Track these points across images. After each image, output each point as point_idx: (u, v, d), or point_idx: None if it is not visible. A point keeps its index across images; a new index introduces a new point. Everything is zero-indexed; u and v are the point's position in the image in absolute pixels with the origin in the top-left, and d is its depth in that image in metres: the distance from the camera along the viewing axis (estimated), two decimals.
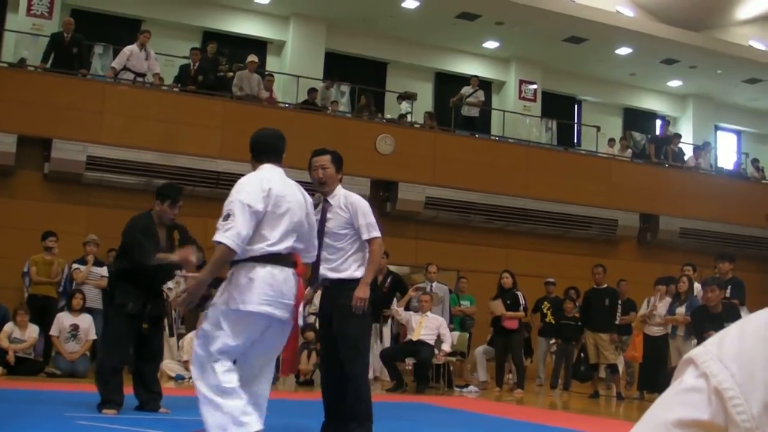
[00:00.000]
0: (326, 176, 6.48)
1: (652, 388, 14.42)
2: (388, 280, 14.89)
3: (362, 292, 6.30)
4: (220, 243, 5.04)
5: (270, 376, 5.50)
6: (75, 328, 12.57)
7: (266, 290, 5.07)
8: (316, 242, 5.51)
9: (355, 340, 6.49)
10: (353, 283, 6.39)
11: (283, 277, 5.14)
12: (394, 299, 14.66)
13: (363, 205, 6.53)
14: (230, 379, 5.04)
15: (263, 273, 5.11)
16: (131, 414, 7.66)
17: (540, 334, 16.41)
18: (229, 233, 5.01)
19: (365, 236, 6.41)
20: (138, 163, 15.38)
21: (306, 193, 5.55)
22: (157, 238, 7.76)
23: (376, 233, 6.46)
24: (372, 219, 6.51)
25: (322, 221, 6.45)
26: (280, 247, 5.16)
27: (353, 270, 6.40)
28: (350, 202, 6.47)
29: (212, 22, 21.58)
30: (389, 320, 14.93)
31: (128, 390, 7.97)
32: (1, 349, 12.07)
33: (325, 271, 6.48)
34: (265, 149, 5.59)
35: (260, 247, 5.13)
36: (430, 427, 8.88)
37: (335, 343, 6.44)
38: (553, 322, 15.89)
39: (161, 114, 16.19)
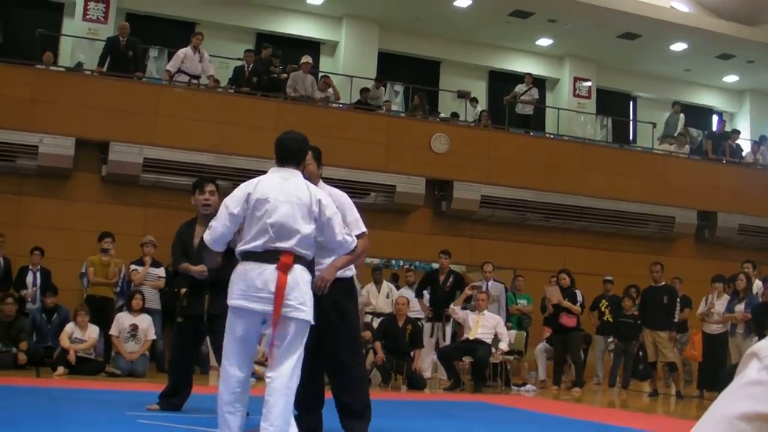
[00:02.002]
0: (309, 173, 6.32)
1: (711, 386, 14.27)
2: (450, 278, 14.86)
3: (328, 273, 6.05)
4: None
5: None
6: (134, 328, 12.69)
7: (240, 285, 5.36)
8: (340, 238, 5.49)
9: (357, 337, 6.72)
10: (345, 281, 6.43)
11: (258, 272, 5.31)
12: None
13: (349, 201, 6.56)
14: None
15: (239, 270, 5.43)
16: (193, 413, 7.72)
17: (598, 332, 16.31)
18: (207, 231, 5.66)
19: (356, 232, 6.31)
20: (194, 164, 15.47)
21: (315, 194, 5.55)
22: (191, 242, 7.97)
23: (364, 228, 6.53)
24: (358, 214, 6.56)
25: None
26: (254, 245, 5.38)
27: (345, 269, 6.39)
28: (336, 199, 6.31)
29: (265, 23, 21.70)
30: (451, 319, 14.91)
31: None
32: (62, 349, 12.21)
33: (318, 271, 6.33)
34: (280, 152, 5.74)
35: (241, 247, 5.46)
36: (488, 426, 8.85)
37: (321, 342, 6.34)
38: (611, 320, 15.78)
39: (216, 115, 16.29)
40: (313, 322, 5.40)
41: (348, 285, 6.66)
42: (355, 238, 5.65)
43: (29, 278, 13.96)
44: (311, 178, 6.33)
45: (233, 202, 5.50)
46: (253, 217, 5.41)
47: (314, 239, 5.51)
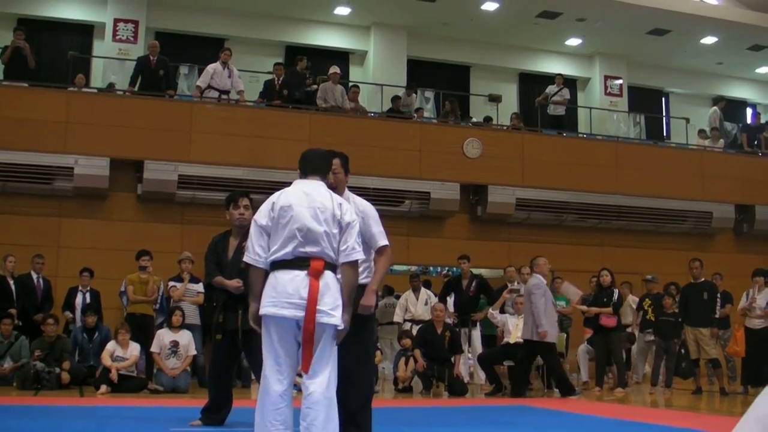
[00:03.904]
0: (337, 181, 6.32)
1: (756, 382, 14.15)
2: (474, 283, 14.84)
3: (369, 300, 6.14)
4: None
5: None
6: (175, 344, 12.75)
7: (271, 293, 5.33)
8: (353, 243, 5.45)
9: (365, 346, 6.41)
10: (358, 288, 6.02)
11: (289, 278, 5.30)
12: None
13: (375, 213, 6.45)
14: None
15: (270, 279, 5.41)
16: (235, 427, 7.74)
17: (639, 330, 16.19)
18: (246, 253, 5.60)
19: (381, 243, 6.29)
20: (228, 179, 15.53)
21: (337, 200, 5.57)
22: (226, 255, 8.08)
23: (387, 241, 6.38)
24: (382, 227, 6.42)
25: None
26: (283, 253, 5.38)
27: (363, 277, 6.15)
28: (362, 210, 6.33)
29: (294, 36, 21.78)
30: (478, 324, 14.89)
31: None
32: (104, 367, 12.28)
33: None
34: (304, 165, 5.80)
35: (271, 257, 5.44)
36: (532, 430, 8.81)
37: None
38: (653, 318, 15.66)
39: (248, 130, 16.37)
40: (341, 326, 5.35)
41: (361, 294, 6.13)
42: (362, 254, 5.59)
43: (78, 299, 14.09)
44: (338, 185, 6.32)
45: (260, 215, 5.54)
46: (279, 225, 5.42)
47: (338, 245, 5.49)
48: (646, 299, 16.08)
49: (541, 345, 12.74)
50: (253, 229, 5.56)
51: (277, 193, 5.60)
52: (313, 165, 5.76)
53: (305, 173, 5.74)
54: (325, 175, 5.82)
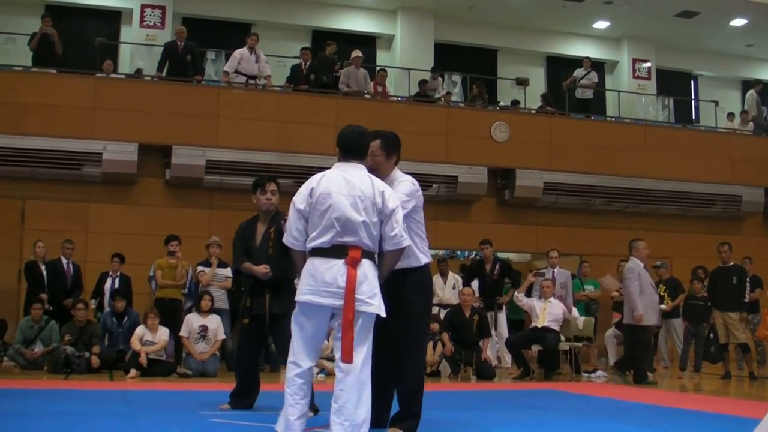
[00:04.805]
0: (375, 163, 6.19)
1: None
2: (497, 267, 14.80)
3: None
4: None
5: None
6: (204, 328, 12.79)
7: (309, 281, 5.36)
8: (400, 231, 5.49)
9: (415, 333, 6.32)
10: (413, 272, 6.18)
11: (327, 266, 5.31)
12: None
13: (402, 186, 6.22)
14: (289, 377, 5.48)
15: (308, 266, 5.43)
16: (265, 411, 7.75)
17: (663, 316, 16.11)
18: (285, 235, 5.67)
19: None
20: (256, 164, 15.56)
21: (379, 187, 5.53)
22: (254, 240, 8.03)
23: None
24: (405, 200, 6.13)
25: None
26: (321, 241, 5.39)
27: (411, 258, 6.16)
28: (394, 179, 6.25)
29: (321, 21, 21.75)
30: (504, 307, 14.85)
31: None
32: (134, 352, 12.35)
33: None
34: (342, 147, 5.73)
35: (310, 244, 5.46)
36: (560, 415, 8.78)
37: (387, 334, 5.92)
38: (669, 303, 15.56)
39: (276, 114, 16.39)
40: (384, 315, 5.38)
41: (417, 278, 6.28)
42: (409, 240, 5.64)
43: (107, 284, 14.17)
44: (379, 168, 6.21)
45: (299, 198, 5.53)
46: (317, 212, 5.41)
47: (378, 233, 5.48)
48: (661, 285, 15.96)
49: (634, 329, 12.66)
50: (291, 212, 5.59)
51: (317, 177, 5.57)
52: (350, 146, 5.71)
53: (343, 155, 5.70)
54: (363, 156, 5.77)
